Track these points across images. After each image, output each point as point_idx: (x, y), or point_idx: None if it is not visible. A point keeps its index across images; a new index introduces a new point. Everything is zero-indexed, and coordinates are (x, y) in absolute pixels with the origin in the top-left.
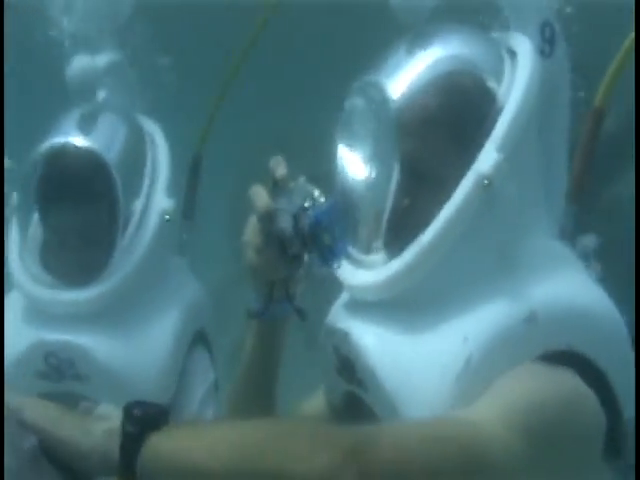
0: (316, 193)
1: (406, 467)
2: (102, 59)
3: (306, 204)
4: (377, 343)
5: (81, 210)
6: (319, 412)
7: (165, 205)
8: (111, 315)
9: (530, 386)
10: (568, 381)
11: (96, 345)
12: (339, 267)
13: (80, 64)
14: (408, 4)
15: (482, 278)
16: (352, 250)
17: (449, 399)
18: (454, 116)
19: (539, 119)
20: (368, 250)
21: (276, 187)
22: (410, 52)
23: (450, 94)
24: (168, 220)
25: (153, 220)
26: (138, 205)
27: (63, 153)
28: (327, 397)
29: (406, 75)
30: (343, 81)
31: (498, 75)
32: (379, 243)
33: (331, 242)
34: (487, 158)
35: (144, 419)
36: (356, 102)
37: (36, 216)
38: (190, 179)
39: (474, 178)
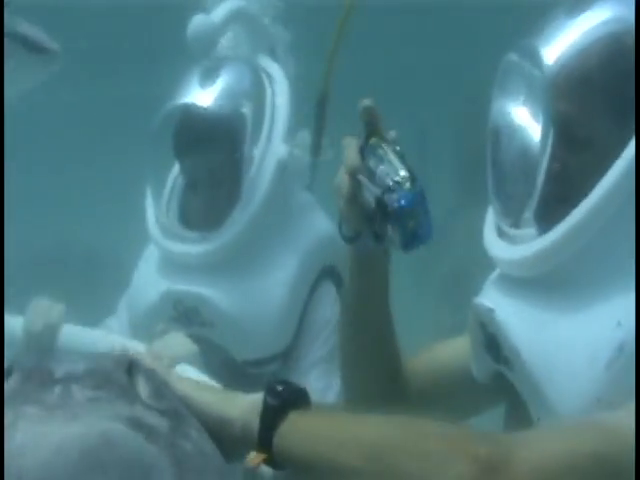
0: (402, 173)
1: None
2: (219, 13)
3: (390, 184)
4: (523, 322)
5: (207, 157)
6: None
7: (281, 152)
8: (233, 264)
9: None
10: None
11: (217, 294)
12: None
13: (197, 22)
14: None
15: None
16: (502, 223)
17: (597, 387)
18: (615, 79)
19: None
20: (518, 223)
21: (367, 146)
22: (569, 14)
23: (611, 55)
24: None
25: (270, 168)
26: (257, 152)
27: (186, 112)
28: (474, 371)
29: (563, 38)
30: None
31: None
32: (529, 215)
33: (415, 227)
34: None
35: (285, 395)
36: (511, 69)
37: (175, 170)
38: (317, 116)
39: (632, 153)
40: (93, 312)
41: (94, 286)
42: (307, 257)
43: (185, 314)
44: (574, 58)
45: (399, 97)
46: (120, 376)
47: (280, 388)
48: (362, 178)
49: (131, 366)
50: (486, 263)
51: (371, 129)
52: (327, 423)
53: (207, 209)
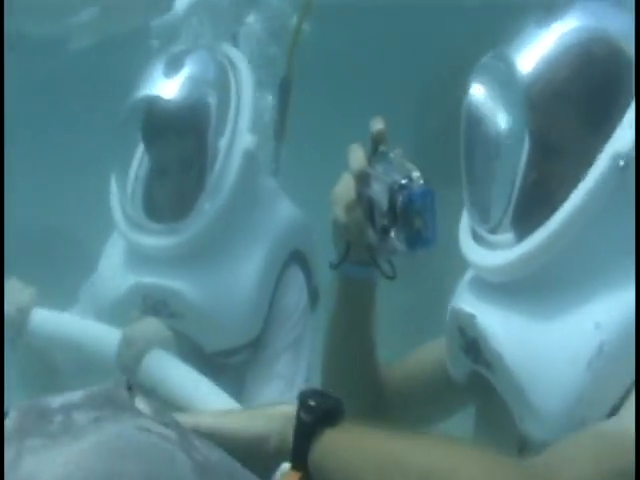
0: (415, 173)
1: None
2: (182, 1)
3: (403, 181)
4: (504, 327)
5: (174, 146)
6: (434, 364)
7: (247, 142)
8: (200, 255)
9: None
10: None
11: (186, 286)
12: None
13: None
14: None
15: (616, 262)
16: (479, 228)
17: (579, 388)
18: (587, 88)
19: None
20: (495, 229)
21: (375, 153)
22: (541, 24)
23: (582, 65)
24: None
25: (237, 158)
26: (224, 141)
27: (151, 102)
28: (451, 372)
29: (535, 47)
30: None
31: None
32: (506, 222)
33: (421, 227)
34: (623, 136)
35: (319, 410)
36: (484, 77)
37: (138, 159)
38: (281, 101)
39: (609, 158)
40: (54, 294)
41: (53, 267)
42: (274, 245)
43: (153, 307)
44: (547, 70)
45: (362, 78)
46: (121, 394)
47: (313, 403)
48: (373, 172)
49: (130, 385)
50: (446, 243)
51: (378, 145)
52: (365, 442)
53: (174, 199)
